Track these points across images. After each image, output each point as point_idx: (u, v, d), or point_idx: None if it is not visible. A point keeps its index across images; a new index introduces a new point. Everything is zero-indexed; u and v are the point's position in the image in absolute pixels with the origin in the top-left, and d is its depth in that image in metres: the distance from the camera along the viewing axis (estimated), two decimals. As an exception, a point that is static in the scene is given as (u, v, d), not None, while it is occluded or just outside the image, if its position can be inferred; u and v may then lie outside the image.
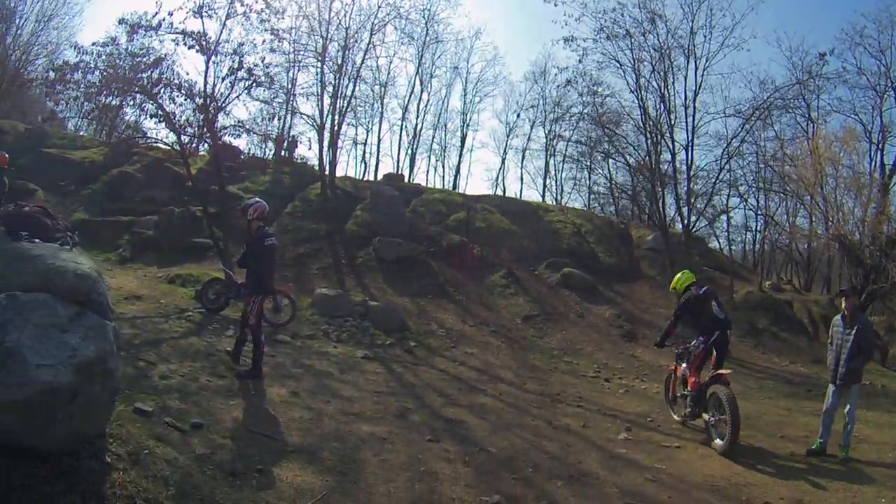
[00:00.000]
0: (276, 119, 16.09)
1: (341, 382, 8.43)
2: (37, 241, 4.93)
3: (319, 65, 18.07)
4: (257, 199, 8.00)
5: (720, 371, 7.25)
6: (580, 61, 18.98)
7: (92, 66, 11.53)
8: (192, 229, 15.19)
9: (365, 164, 29.79)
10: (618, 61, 18.38)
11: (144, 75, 11.86)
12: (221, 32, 12.41)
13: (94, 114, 12.98)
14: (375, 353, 10.54)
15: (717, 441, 6.97)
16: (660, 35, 18.07)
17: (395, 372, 9.62)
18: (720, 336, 7.50)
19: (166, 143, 13.24)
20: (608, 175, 29.44)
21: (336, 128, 18.38)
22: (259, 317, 7.70)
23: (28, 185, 16.51)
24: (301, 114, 19.23)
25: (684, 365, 7.82)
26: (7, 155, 9.55)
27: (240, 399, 6.80)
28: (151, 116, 12.30)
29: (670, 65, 18.27)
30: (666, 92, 18.41)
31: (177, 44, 12.16)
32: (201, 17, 12.21)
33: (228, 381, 7.31)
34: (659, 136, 18.29)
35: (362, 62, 19.25)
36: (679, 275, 8.29)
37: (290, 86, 18.15)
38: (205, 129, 12.49)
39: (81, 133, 24.47)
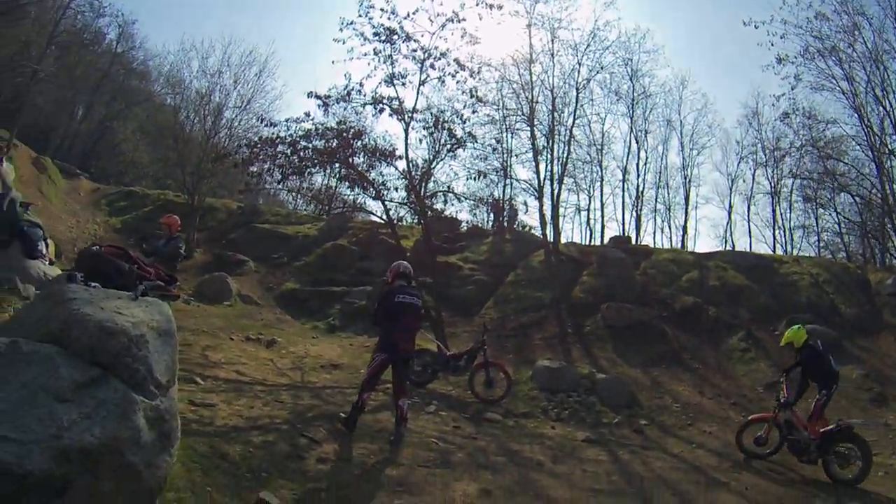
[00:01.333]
0: (489, 184, 16.28)
1: (551, 476, 7.28)
2: (94, 285, 4.65)
3: (530, 129, 17.90)
4: (401, 262, 8.18)
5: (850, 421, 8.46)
6: (793, 88, 19.31)
7: (287, 139, 12.38)
8: None
9: (590, 229, 30.74)
10: (833, 77, 18.47)
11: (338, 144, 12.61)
12: (417, 99, 13.19)
13: (285, 184, 13.51)
14: (599, 435, 9.66)
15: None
16: (866, 39, 17.75)
17: (620, 460, 8.55)
18: (835, 387, 8.62)
19: (376, 215, 14.27)
20: (836, 214, 28.29)
21: (555, 192, 18.81)
22: (372, 375, 7.52)
23: (238, 257, 18.96)
24: (518, 180, 19.56)
25: (788, 412, 8.68)
26: (178, 218, 10.39)
27: (410, 496, 5.85)
28: (344, 180, 13.53)
29: (885, 71, 17.89)
30: (888, 104, 17.91)
31: (375, 115, 13.71)
32: (394, 86, 12.81)
33: (405, 470, 6.53)
34: (888, 157, 18.06)
35: (573, 124, 19.76)
36: (796, 328, 9.13)
37: (504, 153, 18.32)
38: (412, 197, 12.97)
39: (299, 210, 27.80)
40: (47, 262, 7.79)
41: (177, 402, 4.19)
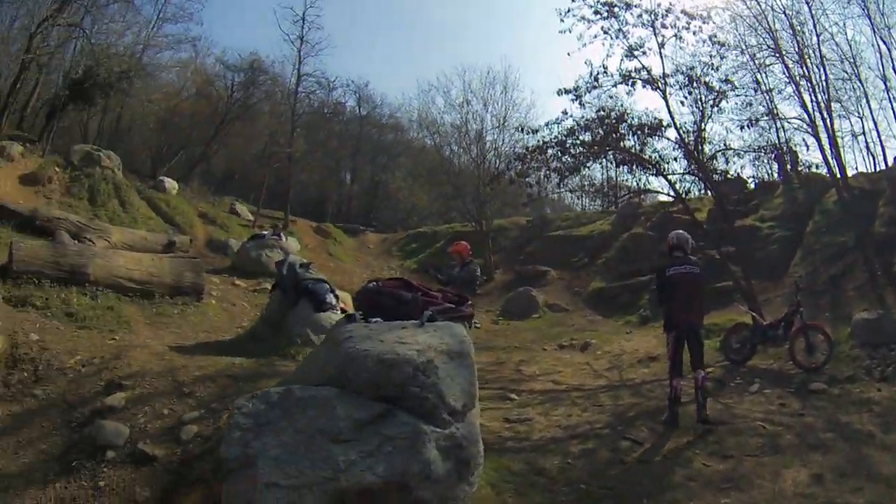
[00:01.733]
0: (762, 132, 14.81)
1: (883, 449, 6.07)
2: (375, 320, 4.80)
3: (780, 60, 15.82)
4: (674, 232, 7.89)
5: None
6: None
7: (553, 141, 12.38)
8: (713, 275, 14.48)
9: (871, 154, 24.24)
10: None
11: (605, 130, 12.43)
12: (663, 63, 12.52)
13: (563, 185, 13.71)
14: (931, 390, 7.85)
15: None
16: None
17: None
18: None
19: (663, 193, 13.76)
20: None
21: (828, 122, 15.69)
22: (671, 358, 7.24)
23: (539, 268, 19.25)
24: (787, 119, 17.09)
25: None
26: (466, 244, 10.50)
27: (739, 492, 5.27)
28: (621, 165, 13.43)
29: None
30: None
31: (629, 92, 12.69)
32: (635, 58, 12.41)
33: (733, 463, 5.90)
34: None
35: (818, 42, 16.28)
36: None
37: (766, 95, 16.27)
38: (692, 165, 12.40)
39: (587, 210, 27.28)
40: (338, 313, 8.48)
41: (477, 426, 4.09)
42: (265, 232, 17.89)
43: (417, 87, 70.60)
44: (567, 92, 12.52)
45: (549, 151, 12.38)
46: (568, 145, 12.23)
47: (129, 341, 8.36)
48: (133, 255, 10.93)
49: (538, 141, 12.78)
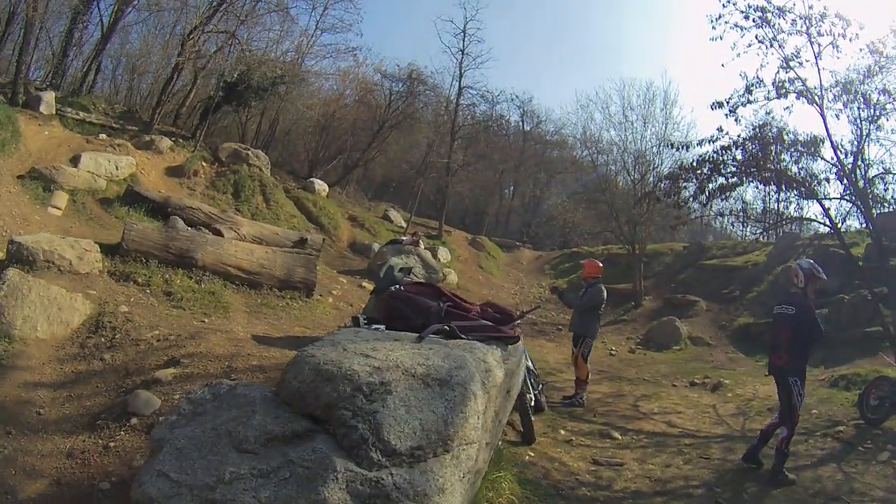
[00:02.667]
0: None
1: None
2: (377, 327, 4.37)
3: None
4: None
5: None
6: None
7: (707, 159, 11.42)
8: (864, 318, 13.19)
9: None
10: None
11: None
12: (820, 73, 11.17)
13: (710, 207, 12.54)
14: None
15: None
16: None
17: None
18: None
19: (818, 221, 12.56)
20: None
21: None
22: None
23: (688, 298, 18.03)
24: None
25: None
26: (597, 263, 9.89)
27: None
28: (768, 184, 12.29)
29: None
30: None
31: (786, 108, 11.88)
32: (791, 69, 11.25)
33: None
34: None
35: None
36: None
37: None
38: (848, 189, 11.01)
39: (746, 238, 25.11)
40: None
41: (442, 481, 2.96)
42: (403, 238, 17.73)
43: (576, 100, 69.59)
44: (720, 105, 11.48)
45: (701, 171, 11.37)
46: (719, 164, 11.23)
47: (216, 325, 8.21)
48: (246, 246, 10.99)
49: (691, 160, 11.81)
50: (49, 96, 16.53)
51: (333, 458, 2.80)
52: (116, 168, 14.40)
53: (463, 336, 4.07)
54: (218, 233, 12.03)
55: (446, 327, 4.09)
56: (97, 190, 13.30)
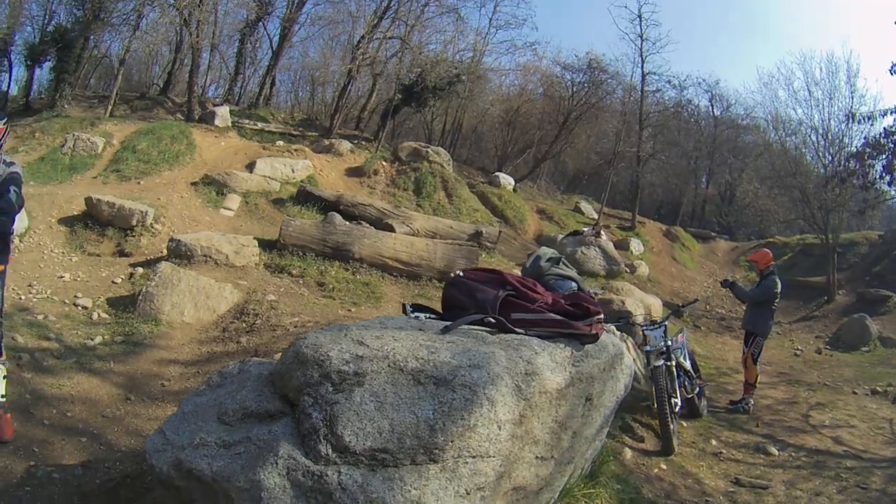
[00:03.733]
0: None
1: None
2: (417, 315, 3.91)
3: None
4: None
5: None
6: None
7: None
8: None
9: None
10: None
11: None
12: None
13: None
14: None
15: None
16: None
17: None
18: None
19: None
20: None
21: None
22: None
23: (881, 293, 15.78)
24: None
25: None
26: (768, 253, 8.75)
27: None
28: None
29: None
30: None
31: None
32: None
33: None
34: None
35: None
36: None
37: None
38: None
39: None
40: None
41: (408, 490, 2.45)
42: (585, 229, 17.13)
43: (758, 78, 62.49)
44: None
45: (887, 145, 10.00)
46: None
47: (359, 314, 8.22)
48: (406, 239, 10.97)
49: (877, 134, 10.35)
50: (223, 111, 17.98)
51: (281, 443, 2.55)
52: (293, 171, 15.12)
53: (517, 330, 3.37)
54: (390, 228, 12.10)
55: (491, 319, 3.39)
56: (270, 192, 13.95)
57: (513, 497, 3.01)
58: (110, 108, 17.89)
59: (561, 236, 17.62)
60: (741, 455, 6.35)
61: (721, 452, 6.33)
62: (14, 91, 20.50)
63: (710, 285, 19.19)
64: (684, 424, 6.95)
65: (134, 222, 10.28)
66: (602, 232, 17.05)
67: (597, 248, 15.29)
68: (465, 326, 3.29)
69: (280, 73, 27.71)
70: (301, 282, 9.26)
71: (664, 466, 5.67)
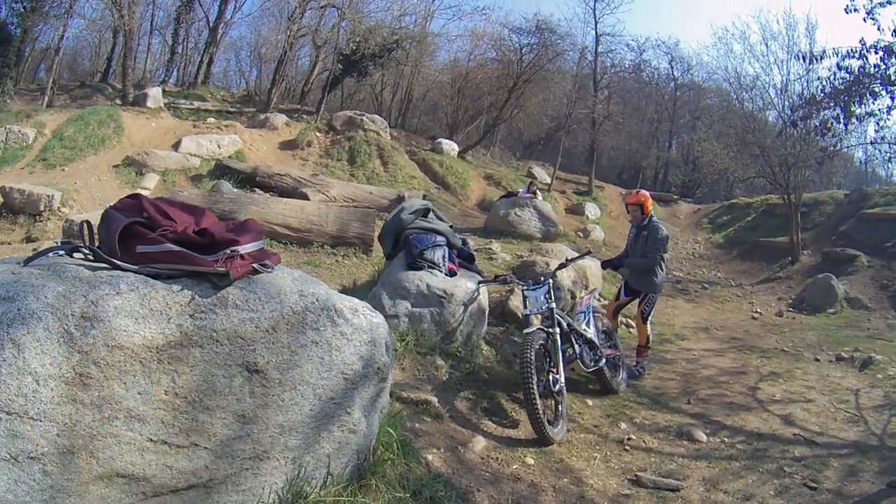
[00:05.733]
0: None
1: None
2: None
3: None
4: None
5: None
6: None
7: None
8: None
9: None
10: None
11: None
12: None
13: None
14: None
15: None
16: None
17: None
18: None
19: None
20: None
21: None
22: None
23: (847, 252, 13.96)
24: None
25: None
26: (642, 195, 6.81)
27: None
28: None
29: None
30: None
31: None
32: None
33: None
34: None
35: None
36: None
37: None
38: None
39: None
40: (441, 273, 5.49)
41: None
42: (520, 191, 15.46)
43: (712, 33, 59.95)
44: (856, 10, 8.61)
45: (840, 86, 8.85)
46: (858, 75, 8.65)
47: None
48: (296, 204, 9.94)
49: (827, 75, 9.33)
50: (154, 91, 17.20)
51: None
52: (218, 147, 14.38)
53: (119, 264, 2.22)
54: (304, 197, 11.25)
55: (84, 249, 2.29)
56: (190, 169, 13.31)
57: (132, 488, 2.14)
58: (46, 98, 17.01)
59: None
60: (656, 442, 4.70)
61: (630, 438, 4.66)
62: None
63: (669, 249, 17.49)
64: (589, 403, 5.31)
65: (41, 207, 10.04)
66: (538, 192, 15.41)
67: (532, 210, 13.69)
68: (62, 260, 2.30)
69: (227, 52, 26.51)
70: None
71: (530, 461, 4.01)
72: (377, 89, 24.06)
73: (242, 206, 9.10)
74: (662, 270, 6.54)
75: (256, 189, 11.73)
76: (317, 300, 2.59)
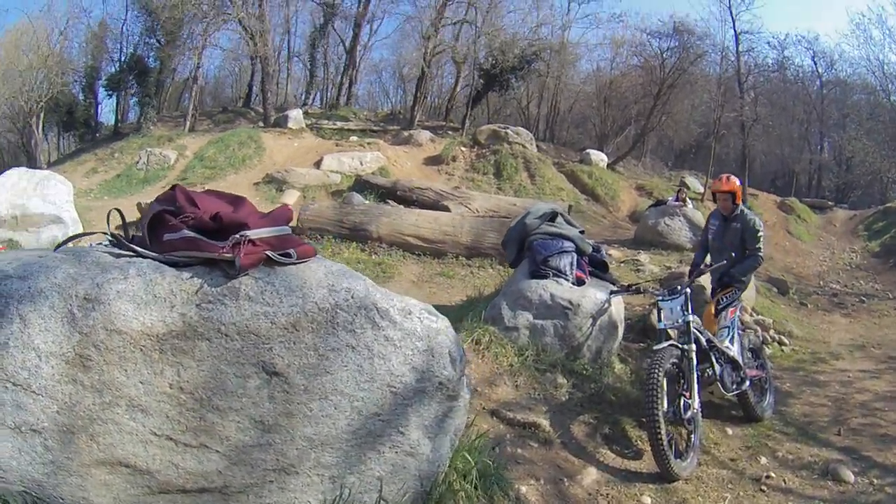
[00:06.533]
0: None
1: None
2: None
3: None
4: None
5: None
6: None
7: None
8: None
9: None
10: None
11: None
12: None
13: None
14: None
15: None
16: None
17: None
18: None
19: None
20: None
21: None
22: None
23: None
24: None
25: None
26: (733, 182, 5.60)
27: None
28: None
29: None
30: None
31: None
32: None
33: None
34: None
35: None
36: None
37: None
38: None
39: None
40: (568, 283, 4.86)
41: None
42: (669, 199, 14.40)
43: (849, 20, 53.57)
44: None
45: None
46: None
47: None
48: (429, 215, 9.83)
49: None
50: (295, 113, 18.02)
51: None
52: (361, 163, 14.73)
53: (140, 251, 2.17)
54: (446, 209, 11.07)
55: (109, 238, 2.28)
56: (330, 185, 13.71)
57: (136, 480, 2.08)
58: (188, 123, 18.55)
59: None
60: (797, 481, 3.91)
61: (767, 477, 3.90)
62: (110, 119, 22.19)
63: (826, 259, 15.66)
64: (728, 432, 4.55)
65: (171, 221, 10.73)
66: (687, 200, 14.16)
67: (682, 219, 12.49)
68: (93, 248, 2.30)
69: (370, 74, 27.47)
70: (332, 266, 8.19)
71: (647, 500, 3.43)
72: (523, 103, 23.85)
73: (373, 218, 9.21)
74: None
75: (389, 201, 11.74)
76: (352, 297, 2.26)
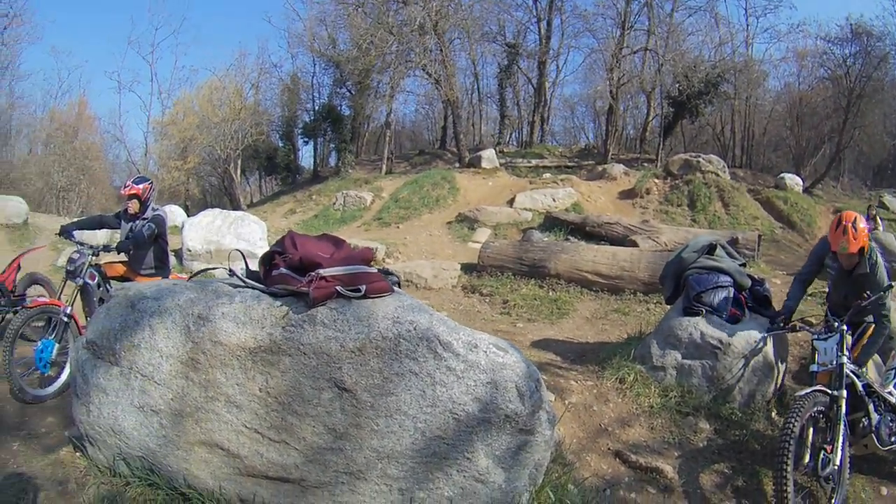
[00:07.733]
0: None
1: None
2: None
3: None
4: None
5: None
6: None
7: None
8: None
9: None
10: None
11: None
12: None
13: None
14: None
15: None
16: None
17: None
18: None
19: None
20: None
21: None
22: None
23: None
24: None
25: None
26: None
27: None
28: None
29: None
30: None
31: None
32: None
33: None
34: None
35: None
36: None
37: None
38: None
39: None
40: (719, 321, 4.60)
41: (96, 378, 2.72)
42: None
43: None
44: None
45: None
46: None
47: (528, 329, 7.08)
48: (607, 251, 9.44)
49: None
50: (488, 153, 18.08)
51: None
52: (553, 200, 14.58)
53: (252, 284, 2.76)
54: (634, 244, 10.75)
55: (231, 272, 2.92)
56: (521, 222, 13.60)
57: (229, 462, 2.57)
58: (384, 166, 19.53)
59: (868, 237, 12.84)
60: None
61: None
62: (310, 164, 23.97)
63: None
64: (883, 492, 3.80)
65: (366, 258, 11.43)
66: (878, 219, 12.49)
67: (873, 242, 10.45)
68: (219, 280, 2.99)
69: (563, 110, 27.29)
70: (487, 300, 8.50)
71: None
72: (717, 129, 22.36)
73: (552, 255, 9.13)
74: None
75: (571, 238, 11.59)
76: (414, 329, 2.50)
